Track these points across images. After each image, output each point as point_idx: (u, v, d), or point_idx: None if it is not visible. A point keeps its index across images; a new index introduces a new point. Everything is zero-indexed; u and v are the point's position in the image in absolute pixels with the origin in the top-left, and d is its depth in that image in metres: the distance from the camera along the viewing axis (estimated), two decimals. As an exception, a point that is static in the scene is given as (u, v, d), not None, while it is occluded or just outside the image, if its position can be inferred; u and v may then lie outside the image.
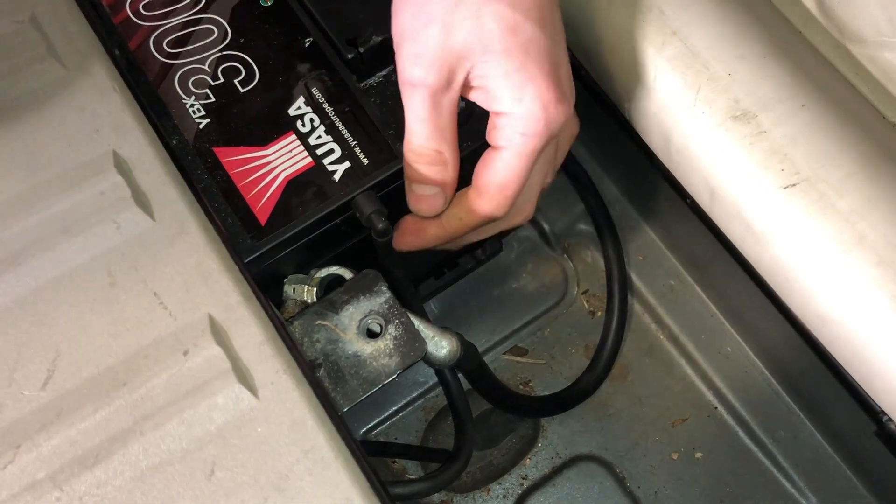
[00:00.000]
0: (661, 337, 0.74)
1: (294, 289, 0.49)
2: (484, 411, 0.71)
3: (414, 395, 0.72)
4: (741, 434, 0.70)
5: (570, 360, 0.73)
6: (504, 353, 0.74)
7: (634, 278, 0.74)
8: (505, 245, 0.74)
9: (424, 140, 0.46)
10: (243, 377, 0.39)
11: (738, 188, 0.49)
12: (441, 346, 0.48)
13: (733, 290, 0.69)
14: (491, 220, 0.49)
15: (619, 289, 0.70)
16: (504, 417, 0.71)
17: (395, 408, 0.72)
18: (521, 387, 0.73)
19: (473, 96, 0.45)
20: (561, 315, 0.75)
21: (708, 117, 0.49)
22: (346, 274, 0.50)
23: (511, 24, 0.42)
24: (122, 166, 0.43)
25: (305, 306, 0.49)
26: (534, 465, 0.70)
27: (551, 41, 0.44)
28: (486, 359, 0.72)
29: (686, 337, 0.73)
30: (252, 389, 0.39)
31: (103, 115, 0.44)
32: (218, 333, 0.40)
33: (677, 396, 0.72)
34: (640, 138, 0.56)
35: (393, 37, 0.45)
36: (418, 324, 0.47)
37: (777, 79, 0.48)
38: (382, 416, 0.72)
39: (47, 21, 0.46)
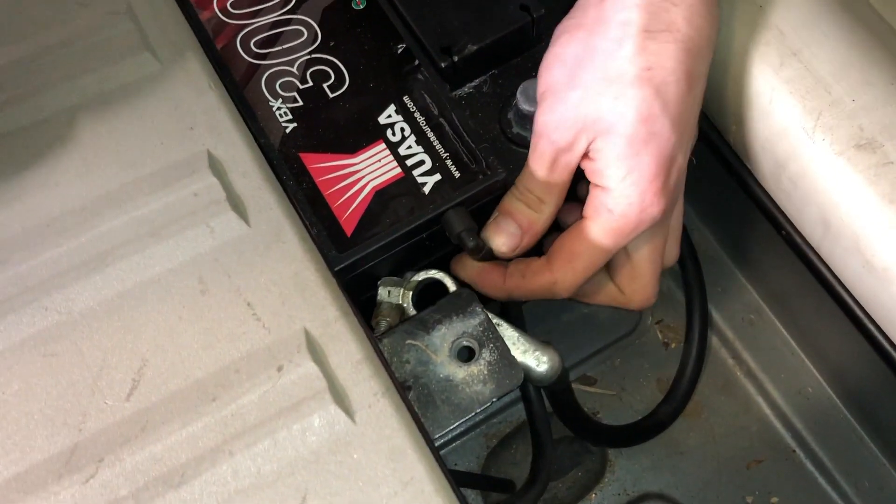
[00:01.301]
0: (738, 373, 0.70)
1: (389, 291, 0.47)
2: (549, 441, 0.68)
3: (478, 419, 0.70)
4: (821, 481, 0.67)
5: (642, 393, 0.70)
6: (572, 382, 0.71)
7: (712, 310, 0.71)
8: (577, 269, 0.71)
9: (533, 185, 0.47)
10: (340, 398, 0.36)
11: (860, 222, 0.46)
12: (542, 360, 0.45)
13: (821, 327, 0.65)
14: (551, 291, 0.48)
15: (700, 317, 0.67)
16: (571, 449, 0.68)
17: (456, 432, 0.69)
18: (588, 417, 0.70)
19: (584, 164, 0.46)
20: (633, 345, 0.72)
21: (829, 145, 0.46)
22: (446, 279, 0.47)
23: (646, 114, 0.43)
24: (216, 167, 0.41)
25: (401, 311, 0.46)
26: (600, 501, 0.67)
27: (679, 137, 0.45)
28: (553, 386, 0.69)
29: (764, 374, 0.70)
30: (349, 412, 0.36)
31: (198, 113, 0.42)
32: (314, 350, 0.37)
33: (753, 436, 0.69)
34: (732, 163, 0.54)
35: (538, 85, 0.47)
36: (518, 335, 0.44)
37: (905, 107, 0.45)
38: (442, 441, 0.69)
39: (143, 13, 0.45)
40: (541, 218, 0.47)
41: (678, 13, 0.43)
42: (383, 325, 0.45)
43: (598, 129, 0.44)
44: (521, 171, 0.48)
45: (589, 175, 0.46)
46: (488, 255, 0.48)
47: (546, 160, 0.46)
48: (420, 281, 0.47)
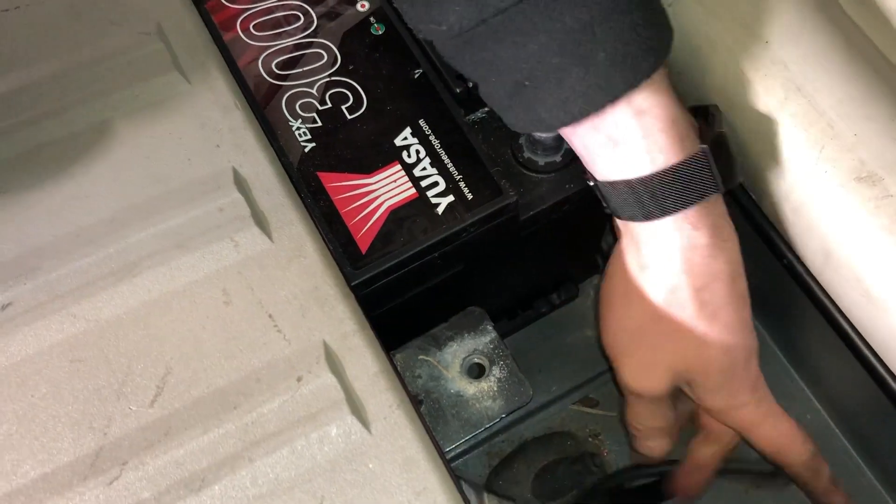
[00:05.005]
0: (738, 398, 0.71)
1: None
2: (551, 462, 0.69)
3: (480, 437, 0.70)
4: (818, 507, 0.67)
5: (643, 415, 0.71)
6: (573, 404, 0.72)
7: (713, 336, 0.72)
8: (581, 291, 0.72)
9: (654, 420, 0.52)
10: (356, 409, 0.38)
11: (859, 252, 0.47)
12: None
13: (820, 355, 0.66)
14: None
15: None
16: (572, 470, 0.69)
17: (459, 450, 0.70)
18: (590, 439, 0.70)
19: (684, 388, 0.50)
20: (635, 368, 0.72)
21: (831, 177, 0.47)
22: None
23: (729, 347, 0.46)
24: (241, 184, 0.42)
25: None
26: (600, 522, 0.68)
27: (749, 333, 0.48)
28: (555, 408, 0.70)
29: (764, 400, 0.71)
30: (365, 423, 0.38)
31: (224, 132, 0.44)
32: (332, 361, 0.38)
33: (752, 463, 0.69)
34: (735, 192, 0.55)
35: (608, 339, 0.50)
36: None
37: (905, 142, 0.47)
38: (451, 455, 0.70)
39: (173, 33, 0.46)
40: (671, 431, 0.53)
41: (719, 264, 0.45)
42: None
43: (694, 375, 0.47)
44: (629, 414, 0.52)
45: (690, 394, 0.50)
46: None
47: (652, 411, 0.51)
48: None
